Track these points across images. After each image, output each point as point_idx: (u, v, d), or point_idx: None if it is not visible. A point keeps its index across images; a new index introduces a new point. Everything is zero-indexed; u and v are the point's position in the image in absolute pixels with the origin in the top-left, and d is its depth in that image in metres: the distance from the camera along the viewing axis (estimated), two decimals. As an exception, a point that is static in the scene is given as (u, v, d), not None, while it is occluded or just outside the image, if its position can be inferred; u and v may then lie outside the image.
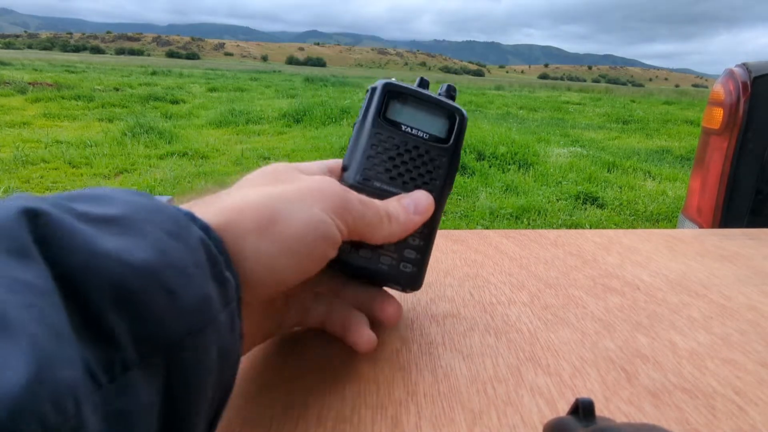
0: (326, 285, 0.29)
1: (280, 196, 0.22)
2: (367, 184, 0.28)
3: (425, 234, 0.29)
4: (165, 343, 0.14)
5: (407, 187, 0.29)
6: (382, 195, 0.28)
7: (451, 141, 0.30)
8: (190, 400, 0.15)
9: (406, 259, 0.29)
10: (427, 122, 0.30)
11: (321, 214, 0.23)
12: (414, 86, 0.30)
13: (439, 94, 0.31)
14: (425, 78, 0.31)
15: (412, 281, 0.29)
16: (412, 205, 0.28)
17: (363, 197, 0.26)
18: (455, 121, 0.30)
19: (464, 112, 0.30)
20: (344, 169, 0.29)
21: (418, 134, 0.29)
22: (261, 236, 0.20)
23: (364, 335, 0.28)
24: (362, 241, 0.27)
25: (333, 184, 0.24)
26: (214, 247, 0.18)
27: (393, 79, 0.30)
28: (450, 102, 0.30)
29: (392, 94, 0.29)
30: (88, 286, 0.13)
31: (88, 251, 0.13)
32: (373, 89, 0.30)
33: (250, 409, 0.23)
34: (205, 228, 0.19)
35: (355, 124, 0.30)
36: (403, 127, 0.29)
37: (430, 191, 0.29)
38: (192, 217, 0.18)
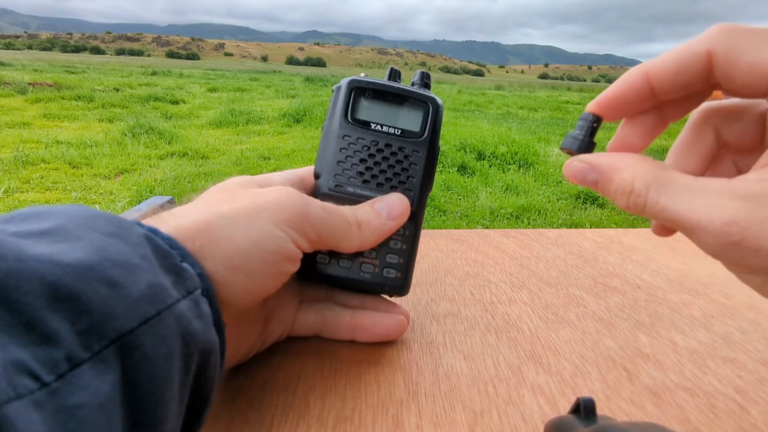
0: (311, 292, 0.29)
1: (222, 214, 0.21)
2: (340, 191, 0.27)
3: (408, 236, 0.28)
4: (116, 333, 0.14)
5: (383, 189, 0.28)
6: (357, 200, 0.27)
7: (426, 134, 0.28)
8: (155, 385, 0.15)
9: (390, 265, 0.28)
10: (398, 117, 0.28)
11: (270, 229, 0.22)
12: (382, 80, 0.29)
13: (413, 84, 0.30)
14: (396, 68, 0.30)
15: (398, 287, 0.28)
16: (385, 209, 0.26)
17: (329, 205, 0.25)
18: (428, 111, 0.28)
19: (438, 100, 0.28)
20: (317, 177, 0.28)
21: (389, 131, 0.28)
22: (201, 257, 0.20)
23: (388, 322, 0.28)
24: (334, 250, 0.26)
25: (289, 196, 0.23)
26: (164, 243, 0.18)
27: (362, 74, 0.29)
28: (422, 92, 0.28)
29: (358, 91, 0.28)
30: (18, 289, 0.13)
31: (15, 258, 0.14)
32: (338, 89, 0.28)
33: (251, 409, 0.23)
34: (152, 229, 0.19)
35: (323, 126, 0.28)
36: (373, 126, 0.28)
37: (408, 190, 0.28)
38: (137, 222, 0.19)
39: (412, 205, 0.27)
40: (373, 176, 0.28)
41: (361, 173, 0.27)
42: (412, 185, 0.28)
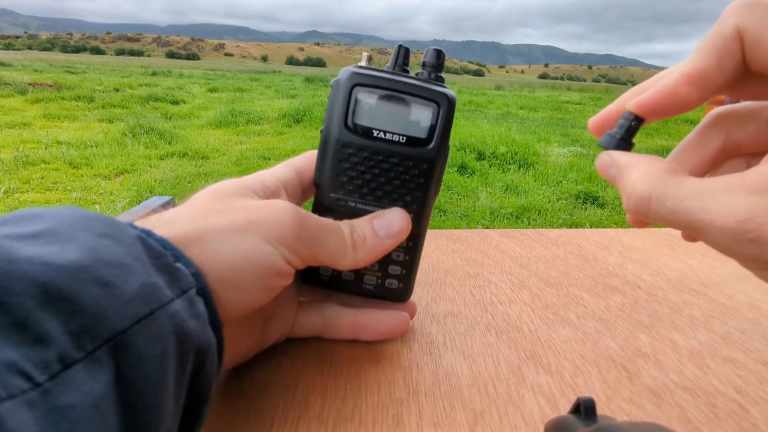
0: (310, 293, 0.29)
1: (215, 226, 0.21)
2: (340, 204, 0.26)
3: (410, 248, 0.28)
4: (109, 333, 0.14)
5: (384, 203, 0.26)
6: (358, 214, 0.26)
7: (434, 141, 0.25)
8: (150, 385, 0.15)
9: (392, 276, 0.28)
10: (403, 121, 0.25)
11: (262, 245, 0.22)
12: (387, 71, 0.25)
13: (424, 65, 0.26)
14: (404, 45, 0.26)
15: (399, 296, 0.28)
16: (384, 227, 0.25)
17: (325, 222, 0.24)
18: (438, 113, 0.25)
19: (449, 95, 0.25)
20: (317, 186, 0.26)
21: (393, 138, 0.25)
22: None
23: (391, 319, 0.28)
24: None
25: (285, 212, 0.23)
26: (157, 244, 0.18)
27: (364, 55, 0.26)
28: (431, 87, 0.25)
29: (360, 87, 0.25)
30: (10, 290, 0.13)
31: (6, 260, 0.14)
32: (337, 84, 0.25)
33: (251, 410, 0.23)
34: (145, 231, 0.19)
35: (321, 131, 0.26)
36: (375, 133, 0.25)
37: (410, 204, 0.26)
38: (130, 224, 0.19)
39: (415, 219, 0.26)
40: (375, 189, 0.26)
41: (361, 186, 0.26)
42: (415, 198, 0.26)
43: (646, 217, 0.18)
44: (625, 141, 0.20)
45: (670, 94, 0.19)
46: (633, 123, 0.20)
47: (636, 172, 0.18)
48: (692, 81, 0.18)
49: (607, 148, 0.20)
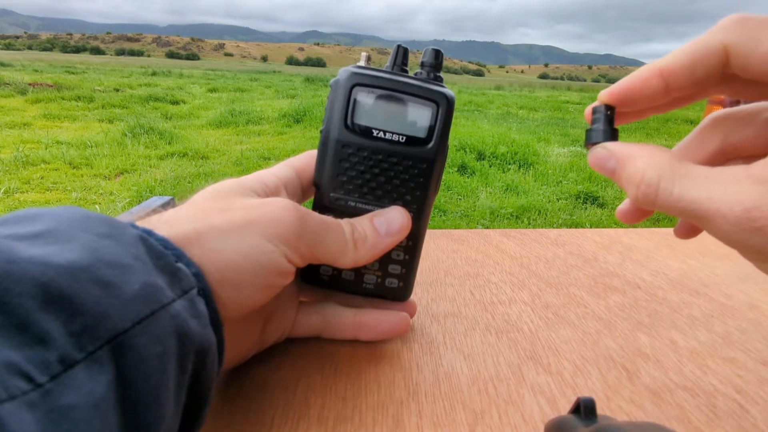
0: (310, 293, 0.29)
1: (214, 226, 0.21)
2: (340, 204, 0.26)
3: (410, 247, 0.28)
4: (110, 334, 0.14)
5: (384, 202, 0.26)
6: (357, 213, 0.26)
7: (433, 141, 0.25)
8: (150, 385, 0.15)
9: (392, 275, 0.28)
10: (402, 120, 0.25)
11: (263, 244, 0.22)
12: (385, 71, 0.26)
13: (422, 65, 0.26)
14: (403, 45, 0.26)
15: (399, 295, 0.29)
16: (384, 225, 0.25)
17: (326, 220, 0.24)
18: (437, 113, 0.25)
19: (448, 95, 0.25)
20: (316, 186, 0.26)
21: (393, 138, 0.25)
22: None
23: (392, 319, 0.28)
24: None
25: (285, 210, 0.23)
26: (158, 244, 0.18)
27: (364, 55, 0.26)
28: (430, 87, 0.25)
29: (360, 87, 0.25)
30: (10, 291, 0.13)
31: (6, 260, 0.14)
32: (336, 84, 0.25)
33: (250, 410, 0.23)
34: (146, 231, 0.19)
35: (321, 131, 0.26)
36: (375, 133, 0.25)
37: (410, 203, 0.26)
38: (131, 224, 0.19)
39: (414, 218, 0.26)
40: (374, 189, 0.26)
41: (361, 186, 0.26)
42: (415, 198, 0.26)
43: (652, 206, 0.18)
44: (613, 130, 0.20)
45: (640, 83, 0.19)
46: (609, 113, 0.20)
47: (641, 161, 0.18)
48: (663, 75, 0.19)
49: (597, 142, 0.20)
